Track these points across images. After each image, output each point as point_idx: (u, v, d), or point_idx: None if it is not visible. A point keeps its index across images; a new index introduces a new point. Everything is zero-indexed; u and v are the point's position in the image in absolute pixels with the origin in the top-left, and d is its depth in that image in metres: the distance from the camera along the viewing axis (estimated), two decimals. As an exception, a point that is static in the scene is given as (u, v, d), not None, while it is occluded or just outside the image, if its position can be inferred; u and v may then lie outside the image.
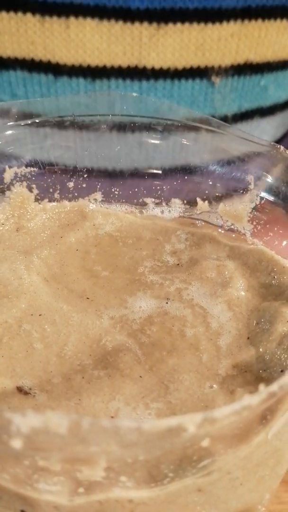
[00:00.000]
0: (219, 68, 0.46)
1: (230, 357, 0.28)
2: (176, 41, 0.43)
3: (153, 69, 0.42)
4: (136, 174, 0.38)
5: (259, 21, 0.46)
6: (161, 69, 0.43)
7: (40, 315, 0.29)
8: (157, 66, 0.42)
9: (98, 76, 0.42)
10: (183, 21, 0.43)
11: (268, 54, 0.48)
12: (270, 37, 0.47)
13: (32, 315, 0.29)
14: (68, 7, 0.42)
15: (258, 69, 0.48)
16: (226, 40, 0.45)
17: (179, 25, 0.43)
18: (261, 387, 0.18)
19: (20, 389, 0.25)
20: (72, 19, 0.42)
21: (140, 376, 0.26)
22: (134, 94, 0.37)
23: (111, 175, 0.38)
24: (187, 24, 0.44)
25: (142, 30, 0.43)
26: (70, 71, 0.42)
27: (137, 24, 0.43)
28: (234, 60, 0.46)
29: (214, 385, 0.26)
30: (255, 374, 0.27)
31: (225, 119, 0.36)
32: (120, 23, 0.42)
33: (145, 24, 0.43)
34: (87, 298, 0.31)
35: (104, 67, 0.42)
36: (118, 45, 0.42)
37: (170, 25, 0.43)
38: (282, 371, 0.26)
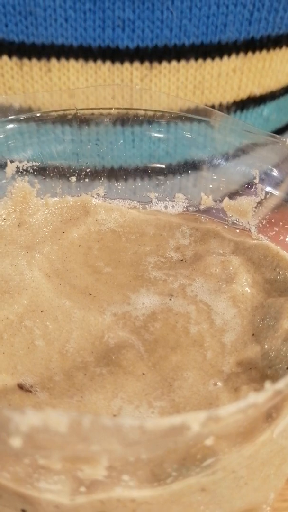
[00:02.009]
0: (220, 106, 0.43)
1: (234, 354, 0.27)
2: (172, 81, 0.40)
3: (146, 113, 0.38)
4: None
5: (264, 52, 0.43)
6: (154, 115, 0.39)
7: (42, 311, 0.29)
8: (149, 112, 0.38)
9: (85, 122, 0.38)
10: (178, 58, 0.40)
11: (271, 84, 0.45)
12: (275, 67, 0.44)
13: (33, 311, 0.29)
14: (49, 48, 0.39)
15: (261, 100, 0.45)
16: (228, 75, 0.42)
17: (174, 63, 0.40)
18: (267, 384, 0.18)
19: (21, 386, 0.25)
20: (53, 61, 0.39)
21: (143, 373, 0.26)
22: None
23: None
24: (183, 62, 0.40)
25: (133, 71, 0.40)
26: (54, 119, 0.38)
27: (127, 64, 0.39)
28: (236, 95, 0.43)
29: (219, 383, 0.26)
30: (260, 371, 0.26)
31: (226, 155, 0.34)
32: (108, 64, 0.39)
33: (136, 64, 0.39)
34: (90, 294, 0.31)
35: (92, 113, 0.39)
36: (106, 89, 0.39)
37: (164, 63, 0.40)
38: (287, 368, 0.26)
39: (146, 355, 0.27)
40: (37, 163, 0.35)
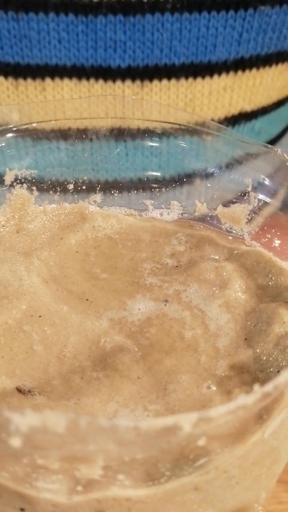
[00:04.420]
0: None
1: (227, 358, 0.28)
2: (163, 99, 0.41)
3: (138, 129, 0.39)
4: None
5: (254, 70, 0.43)
6: (147, 129, 0.40)
7: (40, 316, 0.30)
8: (142, 125, 0.39)
9: (79, 138, 0.39)
10: (169, 77, 0.41)
11: (262, 100, 0.46)
12: (265, 84, 0.45)
13: (32, 316, 0.30)
14: (43, 69, 0.40)
15: (252, 116, 0.46)
16: (218, 93, 0.43)
17: (165, 81, 0.41)
18: (256, 387, 0.19)
19: (19, 390, 0.26)
20: (48, 80, 0.40)
21: (138, 377, 0.26)
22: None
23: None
24: (173, 81, 0.41)
25: (125, 89, 0.41)
26: (49, 134, 0.39)
27: (119, 82, 0.41)
28: (227, 112, 0.44)
29: (212, 386, 0.26)
30: (252, 375, 0.27)
31: (220, 165, 0.35)
32: (101, 82, 0.40)
33: (128, 82, 0.41)
34: (87, 299, 0.31)
35: (85, 129, 0.39)
36: (99, 106, 0.40)
37: (155, 82, 0.41)
38: (278, 371, 0.26)
39: (142, 359, 0.28)
40: (35, 171, 0.36)
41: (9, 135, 0.35)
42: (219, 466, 0.22)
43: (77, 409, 0.24)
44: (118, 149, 0.38)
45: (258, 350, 0.28)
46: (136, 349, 0.28)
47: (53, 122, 0.37)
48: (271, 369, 0.26)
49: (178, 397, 0.26)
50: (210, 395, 0.26)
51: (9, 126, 0.35)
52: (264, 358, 0.27)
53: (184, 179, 0.37)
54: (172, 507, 0.22)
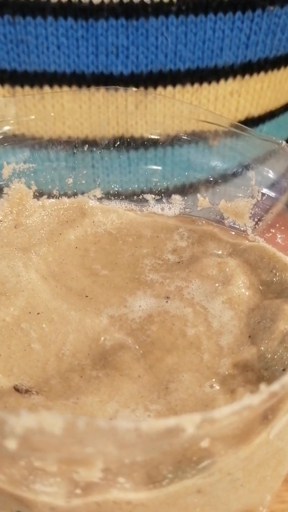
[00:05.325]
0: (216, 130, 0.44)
1: (231, 356, 0.27)
2: (167, 106, 0.39)
3: (142, 138, 0.38)
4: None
5: (262, 74, 0.42)
6: (151, 138, 0.39)
7: (38, 313, 0.29)
8: (146, 134, 0.39)
9: (80, 148, 0.37)
10: (174, 84, 0.40)
11: (270, 104, 0.45)
12: (273, 87, 0.44)
13: (30, 313, 0.29)
14: (41, 76, 0.39)
15: (259, 120, 0.45)
16: (225, 98, 0.42)
17: (169, 88, 0.40)
18: (262, 386, 0.18)
19: (17, 389, 0.25)
20: (46, 88, 0.39)
21: (139, 376, 0.26)
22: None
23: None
24: (179, 87, 0.40)
25: (128, 97, 0.39)
26: (48, 144, 0.38)
27: (121, 90, 0.39)
28: (234, 118, 0.43)
29: (215, 385, 0.26)
30: (256, 373, 0.26)
31: (224, 175, 0.34)
32: (102, 90, 0.39)
33: (131, 90, 0.40)
34: (86, 296, 0.31)
35: (86, 139, 0.38)
36: (100, 115, 0.39)
37: (160, 89, 0.40)
38: (284, 369, 0.26)
39: (142, 358, 0.27)
40: (33, 165, 0.35)
41: (6, 127, 0.34)
42: (223, 468, 0.21)
43: (76, 409, 0.24)
44: (117, 166, 0.37)
45: (262, 348, 0.27)
46: (137, 347, 0.28)
47: (52, 131, 0.36)
48: (276, 367, 0.26)
49: (180, 396, 0.25)
50: (213, 394, 0.25)
51: (7, 119, 0.34)
52: (269, 356, 0.26)
53: (189, 188, 0.36)
54: (174, 511, 0.21)
